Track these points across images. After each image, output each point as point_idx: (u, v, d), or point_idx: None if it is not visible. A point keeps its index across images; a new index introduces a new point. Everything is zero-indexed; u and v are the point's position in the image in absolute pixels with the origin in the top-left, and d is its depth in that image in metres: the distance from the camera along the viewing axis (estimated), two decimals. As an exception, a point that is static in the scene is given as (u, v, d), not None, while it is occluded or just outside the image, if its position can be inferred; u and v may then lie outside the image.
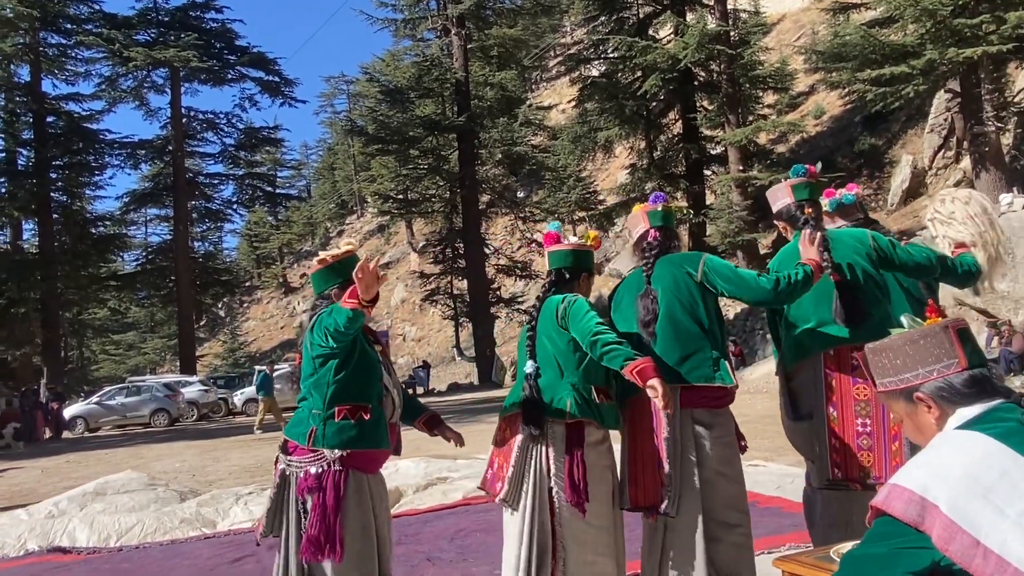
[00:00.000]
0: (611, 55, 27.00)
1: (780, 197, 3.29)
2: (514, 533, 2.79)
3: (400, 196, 34.71)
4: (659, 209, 3.18)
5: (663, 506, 2.82)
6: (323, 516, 2.58)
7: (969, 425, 1.45)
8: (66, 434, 22.16)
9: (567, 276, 3.00)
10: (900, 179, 22.18)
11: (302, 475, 2.64)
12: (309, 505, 2.61)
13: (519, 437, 2.80)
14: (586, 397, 2.81)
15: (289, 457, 2.70)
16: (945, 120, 21.42)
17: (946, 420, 1.50)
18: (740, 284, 2.90)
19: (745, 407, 7.69)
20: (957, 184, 19.75)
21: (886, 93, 18.13)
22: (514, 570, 2.74)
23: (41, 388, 24.66)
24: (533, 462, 2.78)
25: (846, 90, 24.19)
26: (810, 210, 3.13)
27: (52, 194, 32.35)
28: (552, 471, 2.76)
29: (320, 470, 2.62)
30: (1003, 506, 1.32)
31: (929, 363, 1.52)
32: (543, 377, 2.85)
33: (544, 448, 2.78)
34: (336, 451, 2.62)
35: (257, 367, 17.88)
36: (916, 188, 21.65)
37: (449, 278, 33.44)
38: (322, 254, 2.88)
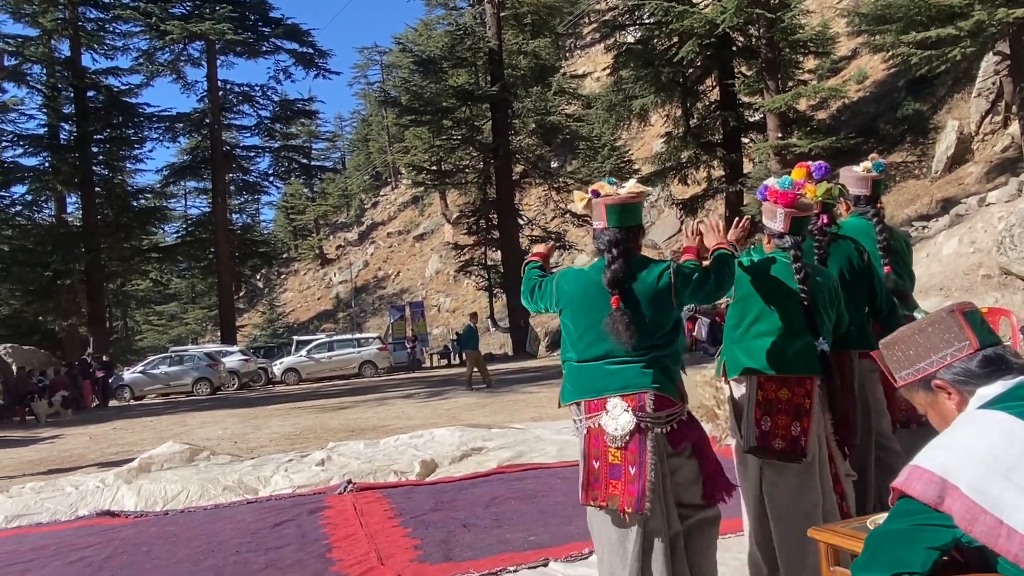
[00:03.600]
0: (647, 21, 26.50)
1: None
2: (813, 486, 2.82)
3: (434, 167, 34.71)
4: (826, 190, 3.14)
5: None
6: (710, 456, 2.67)
7: (990, 404, 1.44)
8: (112, 402, 22.81)
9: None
10: (945, 145, 21.55)
11: (675, 425, 2.62)
12: (687, 453, 2.63)
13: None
14: None
15: (656, 413, 2.57)
16: (993, 84, 20.73)
17: (967, 403, 1.50)
18: None
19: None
20: (1004, 151, 19.16)
21: (932, 56, 17.56)
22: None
23: (89, 358, 25.36)
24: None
25: (890, 53, 23.45)
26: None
27: (94, 168, 32.97)
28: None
29: (687, 418, 2.68)
30: None
31: (941, 349, 1.52)
32: None
33: None
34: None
35: (467, 323, 17.58)
36: (962, 155, 21.03)
37: (483, 249, 33.49)
38: (632, 188, 2.74)
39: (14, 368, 21.62)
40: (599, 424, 2.56)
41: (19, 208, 34.45)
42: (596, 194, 2.72)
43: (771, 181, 3.01)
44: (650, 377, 2.57)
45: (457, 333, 17.09)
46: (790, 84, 23.79)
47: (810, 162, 3.13)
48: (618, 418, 2.52)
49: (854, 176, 3.50)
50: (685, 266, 2.72)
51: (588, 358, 2.63)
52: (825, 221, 3.21)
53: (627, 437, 2.51)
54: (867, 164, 3.59)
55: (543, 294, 2.80)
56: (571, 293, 2.68)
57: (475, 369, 16.12)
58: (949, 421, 1.51)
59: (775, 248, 2.98)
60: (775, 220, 2.93)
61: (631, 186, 2.75)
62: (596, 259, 2.74)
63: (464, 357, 16.93)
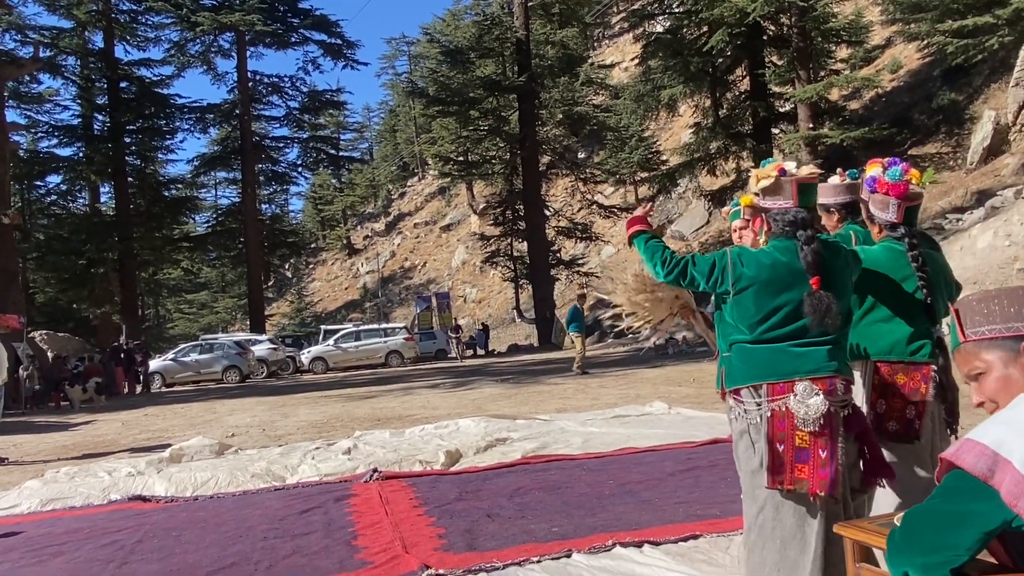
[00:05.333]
0: (676, 10, 26.25)
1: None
2: (927, 466, 2.84)
3: (460, 158, 34.74)
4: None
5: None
6: (873, 440, 2.67)
7: None
8: (140, 388, 23.17)
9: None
10: (981, 136, 21.10)
11: (852, 410, 2.62)
12: (852, 437, 2.61)
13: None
14: None
15: (843, 397, 2.59)
16: (1033, 73, 20.24)
17: None
18: None
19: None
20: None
21: (968, 45, 17.23)
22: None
23: (122, 345, 25.80)
24: None
25: (925, 42, 23.02)
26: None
27: (127, 158, 33.50)
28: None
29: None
30: None
31: None
32: None
33: None
34: None
35: (574, 304, 16.69)
36: (998, 145, 20.57)
37: (509, 240, 33.48)
38: (812, 169, 2.75)
39: (49, 355, 22.07)
40: (786, 407, 2.52)
41: (54, 197, 35.18)
42: (783, 172, 2.69)
43: (876, 171, 3.04)
44: (838, 361, 2.58)
45: (576, 308, 16.08)
46: (822, 74, 23.44)
47: (882, 158, 3.15)
48: (807, 401, 2.49)
49: (830, 187, 3.52)
50: (856, 249, 2.77)
51: (769, 339, 2.59)
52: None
53: (820, 420, 2.48)
54: (841, 173, 3.69)
55: (703, 273, 2.70)
56: (754, 275, 2.62)
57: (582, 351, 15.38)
58: (1012, 389, 1.48)
59: (886, 237, 3.00)
60: (887, 211, 2.98)
61: (808, 167, 2.76)
62: (769, 240, 2.71)
63: (572, 339, 16.44)
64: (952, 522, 1.36)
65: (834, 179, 3.55)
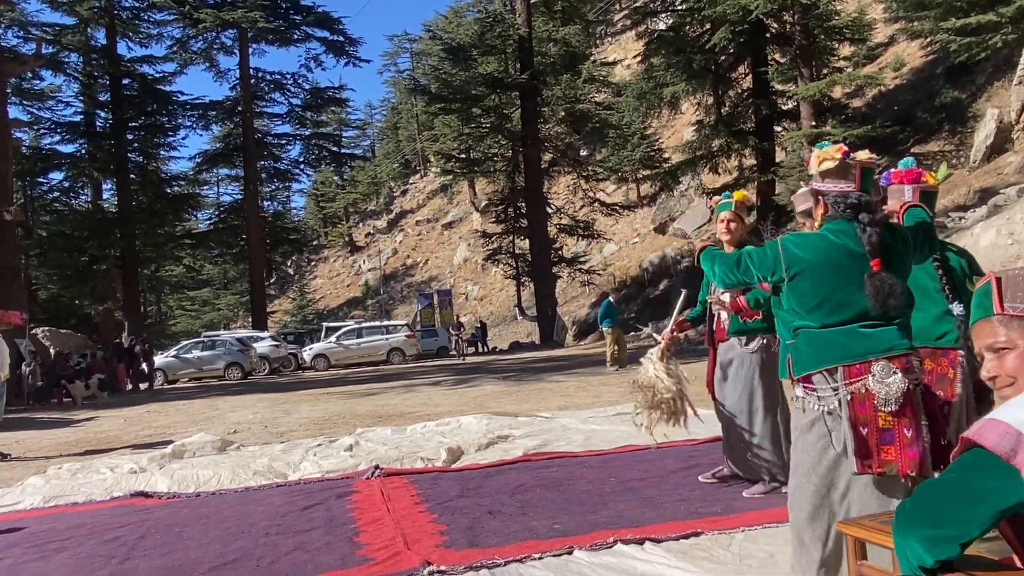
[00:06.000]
0: (679, 7, 26.20)
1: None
2: None
3: (463, 155, 34.73)
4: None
5: None
6: (939, 418, 2.70)
7: None
8: (146, 385, 23.21)
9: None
10: (984, 134, 21.06)
11: (924, 387, 2.65)
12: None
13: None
14: None
15: (919, 372, 2.62)
16: (1036, 71, 20.20)
17: None
18: None
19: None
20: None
21: (971, 43, 17.20)
22: None
23: (124, 342, 25.84)
24: None
25: (928, 40, 22.99)
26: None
27: (129, 155, 33.50)
28: None
29: None
30: None
31: None
32: None
33: None
34: None
35: (609, 297, 16.35)
36: (1001, 144, 20.54)
37: (511, 237, 33.48)
38: (867, 154, 2.77)
39: (51, 351, 22.10)
40: (865, 388, 2.49)
41: (56, 194, 35.18)
42: (847, 154, 2.68)
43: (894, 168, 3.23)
44: (907, 339, 2.58)
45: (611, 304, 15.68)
46: (825, 71, 23.39)
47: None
48: (887, 380, 2.47)
49: (804, 196, 3.62)
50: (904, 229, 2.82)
51: (834, 323, 2.57)
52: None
53: (900, 399, 2.46)
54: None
55: (756, 263, 2.72)
56: (809, 259, 2.61)
57: (615, 347, 15.29)
58: None
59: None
60: (904, 197, 3.11)
61: (865, 152, 2.77)
62: (824, 223, 2.70)
63: (604, 335, 16.17)
64: (968, 498, 1.34)
65: (804, 189, 3.65)
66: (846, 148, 2.68)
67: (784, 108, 25.15)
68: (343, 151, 45.11)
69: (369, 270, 55.19)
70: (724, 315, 4.43)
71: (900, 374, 2.47)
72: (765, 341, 4.33)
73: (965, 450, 1.39)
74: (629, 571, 3.26)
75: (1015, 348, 1.48)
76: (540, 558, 3.46)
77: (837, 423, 2.54)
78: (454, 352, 27.45)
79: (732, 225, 4.40)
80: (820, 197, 2.72)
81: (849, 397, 2.50)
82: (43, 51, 29.17)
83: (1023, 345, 1.47)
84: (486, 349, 30.16)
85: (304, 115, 38.50)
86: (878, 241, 2.55)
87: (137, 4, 33.58)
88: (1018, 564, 1.45)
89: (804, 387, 2.60)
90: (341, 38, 36.54)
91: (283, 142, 39.18)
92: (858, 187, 2.64)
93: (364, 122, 73.96)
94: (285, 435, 8.72)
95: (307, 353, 27.35)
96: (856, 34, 23.93)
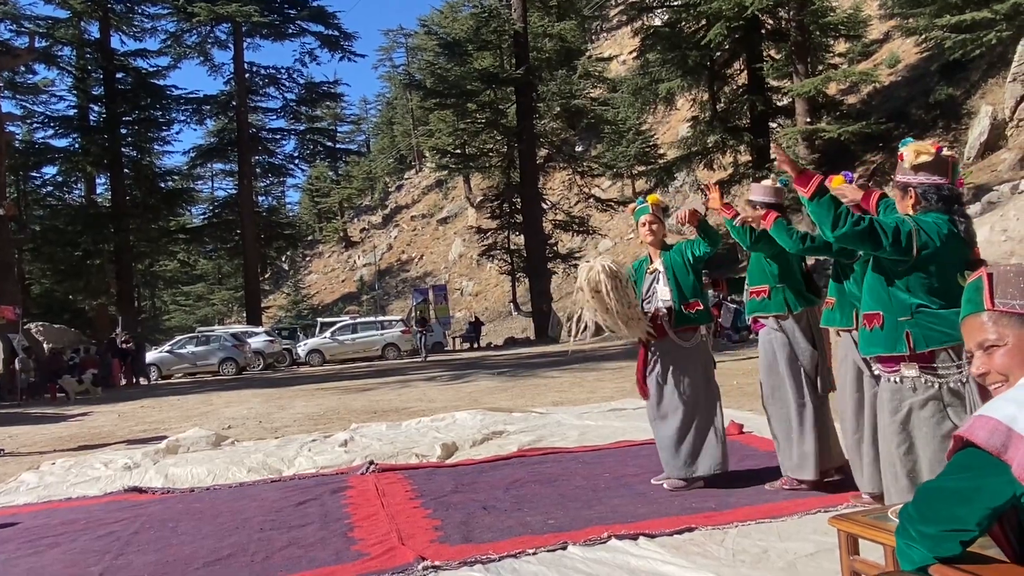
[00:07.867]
0: (674, 3, 26.21)
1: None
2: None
3: (458, 151, 34.68)
4: None
5: None
6: None
7: None
8: (140, 380, 23.17)
9: None
10: (978, 131, 21.13)
11: None
12: None
13: None
14: None
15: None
16: (1030, 68, 20.25)
17: None
18: None
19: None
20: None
21: (966, 40, 17.24)
22: None
23: (117, 337, 25.78)
24: None
25: (923, 37, 23.01)
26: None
27: (123, 149, 33.38)
28: None
29: None
30: None
31: None
32: None
33: None
34: None
35: None
36: (995, 141, 20.60)
37: (506, 233, 33.46)
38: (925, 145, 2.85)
39: (45, 346, 22.04)
40: None
41: (50, 189, 35.04)
42: (941, 150, 2.81)
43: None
44: None
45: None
46: (820, 68, 23.43)
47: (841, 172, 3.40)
48: None
49: (761, 187, 3.69)
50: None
51: (950, 304, 2.65)
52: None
53: None
54: (773, 178, 4.03)
55: (890, 232, 2.70)
56: (937, 244, 2.71)
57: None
58: None
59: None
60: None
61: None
62: (917, 213, 2.79)
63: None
64: (962, 498, 1.36)
65: (767, 181, 3.74)
66: (939, 144, 2.83)
67: (779, 104, 25.21)
68: (338, 146, 45.10)
69: (364, 265, 55.09)
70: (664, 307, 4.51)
71: None
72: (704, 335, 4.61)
73: (958, 448, 1.41)
74: (623, 566, 3.27)
75: (1004, 344, 1.48)
76: (534, 553, 3.47)
77: (955, 399, 2.62)
78: (410, 350, 26.67)
79: (654, 227, 4.61)
80: (911, 189, 2.82)
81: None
82: (36, 45, 29.04)
83: (1012, 341, 1.48)
84: (479, 345, 30.15)
85: (299, 110, 38.42)
86: (973, 232, 2.73)
87: (131, -3, 33.45)
88: None
89: (921, 366, 2.68)
90: (336, 32, 36.47)
91: (278, 137, 39.13)
92: (947, 180, 2.77)
93: (359, 117, 73.83)
94: (280, 431, 8.71)
95: (301, 349, 27.30)
96: (851, 31, 23.99)
